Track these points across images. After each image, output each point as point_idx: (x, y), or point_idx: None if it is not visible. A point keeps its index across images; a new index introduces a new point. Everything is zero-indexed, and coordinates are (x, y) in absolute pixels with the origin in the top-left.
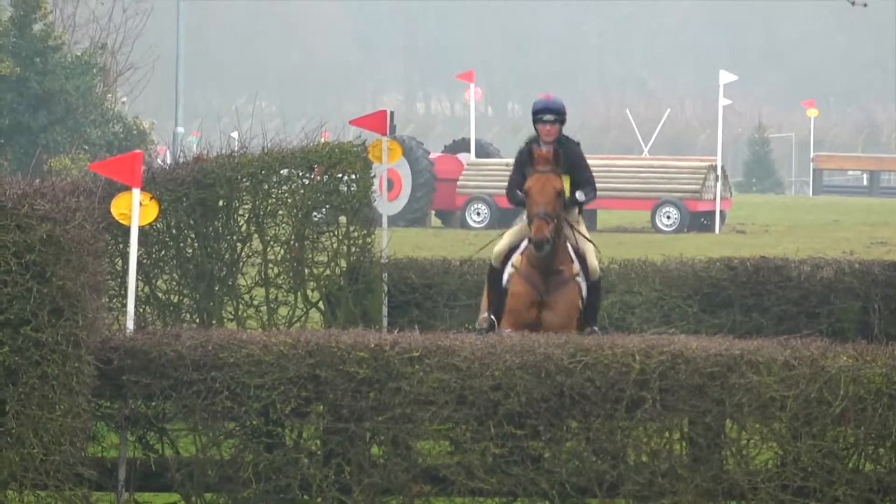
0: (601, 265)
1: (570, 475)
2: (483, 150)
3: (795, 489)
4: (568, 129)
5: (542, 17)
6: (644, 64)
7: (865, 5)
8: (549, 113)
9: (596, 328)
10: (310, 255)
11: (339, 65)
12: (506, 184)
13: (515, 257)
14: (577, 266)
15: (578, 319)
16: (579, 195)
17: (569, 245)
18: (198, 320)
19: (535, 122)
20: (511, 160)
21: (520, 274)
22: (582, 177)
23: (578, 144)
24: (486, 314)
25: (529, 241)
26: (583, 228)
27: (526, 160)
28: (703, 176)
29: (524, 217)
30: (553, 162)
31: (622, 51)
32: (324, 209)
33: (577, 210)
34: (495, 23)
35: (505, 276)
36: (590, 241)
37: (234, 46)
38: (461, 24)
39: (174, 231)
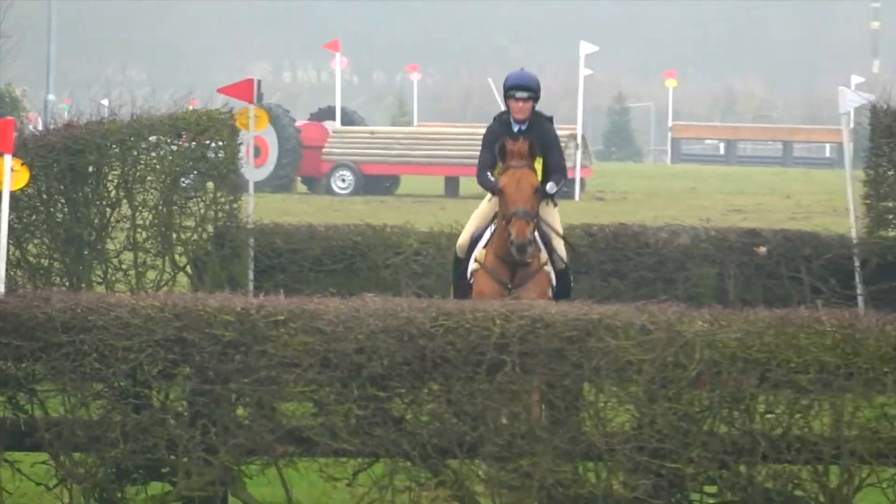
0: (580, 249)
1: (431, 436)
2: (348, 119)
3: (651, 451)
4: (431, 97)
5: None
6: (506, 35)
7: None
8: (522, 90)
9: None
10: (177, 220)
11: (208, 35)
12: (374, 152)
13: (479, 252)
14: (544, 255)
15: None
16: (550, 187)
17: (536, 233)
18: (67, 284)
19: (506, 97)
20: (376, 128)
21: (485, 269)
22: (553, 161)
23: (551, 119)
24: None
25: (510, 243)
26: (556, 218)
27: (497, 141)
28: (563, 144)
29: (487, 200)
30: (528, 156)
31: (485, 22)
32: (191, 175)
33: (547, 200)
34: None
35: (469, 270)
36: (560, 235)
37: (107, 16)
38: None
39: (45, 196)
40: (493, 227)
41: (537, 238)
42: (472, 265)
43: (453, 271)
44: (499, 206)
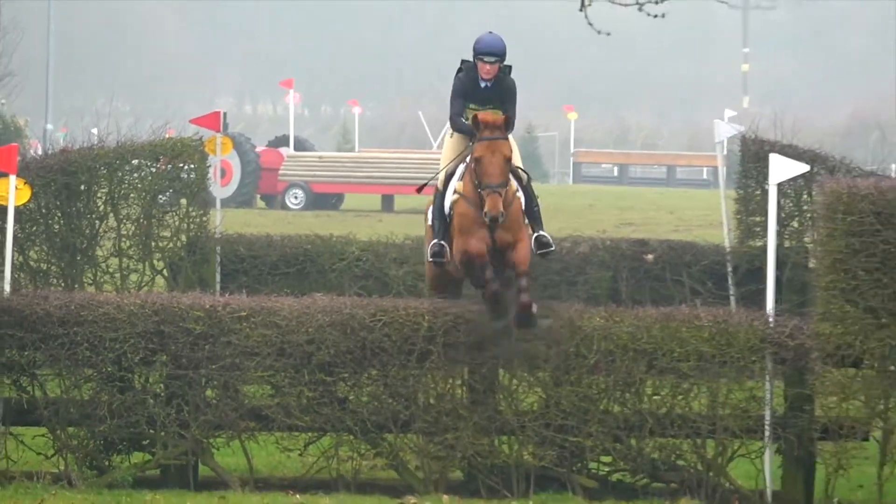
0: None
1: (370, 414)
2: (300, 145)
3: (556, 427)
4: (370, 127)
5: (356, 31)
6: (435, 75)
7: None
8: (491, 55)
9: (543, 231)
10: (156, 231)
11: (182, 72)
12: (322, 174)
13: (457, 184)
14: (514, 183)
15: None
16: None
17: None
18: (63, 284)
19: (475, 58)
20: (324, 153)
21: (465, 200)
22: (509, 112)
23: (510, 69)
24: (435, 240)
25: (484, 215)
26: (515, 147)
27: (465, 91)
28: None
29: (450, 136)
30: (503, 128)
31: (417, 64)
32: (168, 193)
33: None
34: (312, 38)
35: (447, 202)
36: (518, 165)
37: (97, 56)
38: (284, 38)
39: (44, 210)
40: (462, 167)
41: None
42: (451, 196)
43: (433, 210)
44: (474, 171)
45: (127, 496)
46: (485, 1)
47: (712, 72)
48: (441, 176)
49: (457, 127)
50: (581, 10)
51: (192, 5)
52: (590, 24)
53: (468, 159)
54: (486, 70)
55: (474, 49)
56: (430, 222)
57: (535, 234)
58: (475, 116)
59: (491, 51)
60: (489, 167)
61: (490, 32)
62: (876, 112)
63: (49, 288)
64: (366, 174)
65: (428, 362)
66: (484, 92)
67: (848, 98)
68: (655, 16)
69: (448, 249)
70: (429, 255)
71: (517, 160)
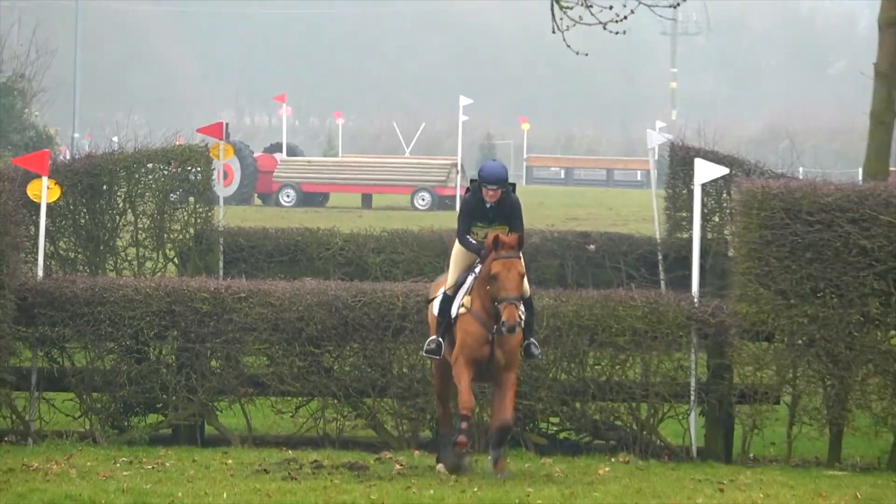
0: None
1: (352, 381)
2: (292, 151)
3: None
4: (351, 136)
5: (338, 54)
6: (408, 91)
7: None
8: (493, 183)
9: (533, 339)
10: (167, 225)
11: (189, 90)
12: (311, 176)
13: (465, 298)
14: (521, 308)
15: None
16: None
17: None
18: (88, 270)
19: (480, 184)
20: (312, 158)
21: (472, 314)
22: (516, 227)
23: (514, 187)
24: (434, 336)
25: (502, 325)
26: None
27: (472, 211)
28: (447, 170)
29: (457, 244)
30: (517, 248)
31: (392, 81)
32: (178, 192)
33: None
34: (302, 60)
35: (454, 310)
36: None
37: (117, 75)
38: (277, 60)
39: (71, 207)
40: (472, 278)
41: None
42: (458, 308)
43: (439, 306)
44: (491, 285)
45: (143, 451)
46: (449, 30)
47: (645, 88)
48: (450, 280)
49: (465, 245)
50: (554, 32)
51: (199, 33)
52: (568, 45)
53: (476, 271)
54: (490, 195)
55: (479, 176)
56: (435, 314)
57: (527, 343)
58: (496, 237)
59: (493, 179)
60: (507, 283)
61: (493, 160)
62: (785, 123)
63: (76, 273)
64: (348, 176)
65: (401, 337)
66: (490, 211)
67: (761, 111)
68: (616, 32)
69: (443, 347)
70: (424, 349)
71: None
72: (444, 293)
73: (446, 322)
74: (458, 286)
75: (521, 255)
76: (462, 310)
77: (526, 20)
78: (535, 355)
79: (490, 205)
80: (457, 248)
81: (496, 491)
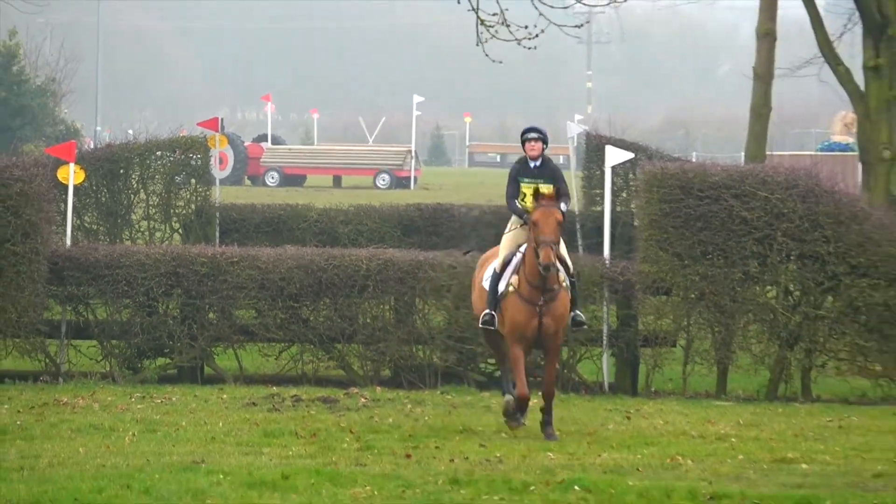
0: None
1: (325, 330)
2: (276, 141)
3: (457, 338)
4: (324, 128)
5: (314, 59)
6: (370, 90)
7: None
8: (533, 132)
9: (578, 311)
10: (173, 202)
11: (191, 91)
12: (292, 161)
13: (513, 277)
14: (563, 275)
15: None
16: (562, 207)
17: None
18: (108, 240)
19: (523, 141)
20: (292, 146)
21: (519, 294)
22: (562, 188)
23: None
24: (486, 310)
25: (538, 265)
26: (564, 248)
27: (518, 174)
28: (403, 156)
29: (511, 227)
30: (555, 199)
31: (358, 81)
32: (182, 175)
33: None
34: (284, 65)
35: (501, 286)
36: (567, 262)
37: (133, 79)
38: (264, 65)
39: (94, 187)
40: (519, 255)
41: (557, 263)
42: (505, 287)
43: (490, 281)
44: (531, 232)
45: (154, 388)
46: (407, 41)
47: (566, 87)
48: (500, 257)
49: (511, 208)
50: (478, 45)
51: (201, 45)
52: (486, 55)
53: (522, 249)
54: (531, 146)
55: (521, 135)
56: (485, 285)
57: (573, 313)
58: (537, 188)
59: (532, 128)
60: (544, 227)
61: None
62: (681, 116)
63: (98, 242)
64: (322, 161)
65: (366, 293)
66: (535, 171)
67: (661, 106)
68: (529, 48)
69: (496, 318)
70: (480, 322)
71: (564, 252)
72: (494, 270)
73: (496, 296)
74: (505, 263)
75: (560, 205)
76: (510, 288)
77: (469, 34)
78: (582, 324)
79: (534, 164)
80: (508, 233)
81: (444, 419)
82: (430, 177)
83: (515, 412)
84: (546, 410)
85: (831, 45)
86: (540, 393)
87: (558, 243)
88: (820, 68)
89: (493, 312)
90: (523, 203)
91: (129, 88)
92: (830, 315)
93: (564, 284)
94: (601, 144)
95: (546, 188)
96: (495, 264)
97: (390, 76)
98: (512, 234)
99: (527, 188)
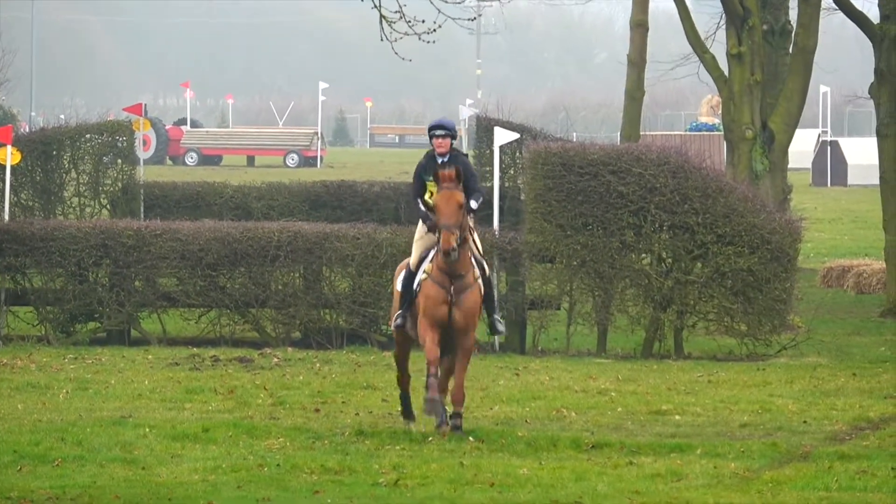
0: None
1: (240, 296)
2: (195, 124)
3: (360, 302)
4: (239, 111)
5: (228, 48)
6: (282, 77)
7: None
8: (441, 129)
9: (497, 315)
10: (102, 180)
11: (117, 79)
12: (209, 142)
13: (426, 265)
14: (477, 270)
15: (480, 312)
16: (472, 204)
17: (469, 253)
18: (42, 216)
19: (430, 136)
20: (210, 129)
21: (431, 279)
22: (472, 185)
23: (467, 156)
24: (399, 311)
25: (438, 250)
26: (477, 241)
27: (424, 171)
28: (311, 137)
29: (419, 235)
30: (456, 180)
31: (268, 69)
32: (109, 155)
33: (471, 215)
34: (201, 53)
35: (416, 281)
36: (481, 255)
37: (63, 68)
38: (184, 53)
39: (30, 167)
40: (433, 252)
41: (470, 257)
42: (420, 276)
43: (402, 281)
44: (434, 216)
45: (85, 350)
46: (314, 33)
47: (458, 74)
48: (413, 258)
49: (416, 206)
50: (382, 41)
51: (127, 36)
52: (396, 53)
53: (437, 246)
54: (439, 143)
55: (428, 130)
56: (398, 288)
57: (491, 319)
58: (436, 171)
59: (439, 124)
60: (444, 210)
61: (442, 117)
62: (562, 100)
63: (34, 217)
64: (236, 142)
65: (277, 262)
66: (442, 167)
67: (544, 91)
68: (428, 42)
69: (409, 320)
70: (392, 324)
71: (478, 250)
72: (408, 269)
73: (409, 296)
74: (420, 261)
75: (460, 187)
76: (423, 275)
77: (371, 26)
78: (500, 331)
79: (442, 160)
80: (420, 229)
81: (349, 377)
82: (335, 156)
83: (432, 408)
84: (455, 415)
85: (698, 34)
86: (449, 398)
87: (459, 226)
88: (698, 67)
89: (406, 314)
90: (429, 200)
91: (61, 77)
92: (699, 280)
93: (477, 279)
94: (490, 126)
95: (448, 171)
96: (410, 263)
97: (298, 65)
98: (421, 242)
99: (432, 186)
